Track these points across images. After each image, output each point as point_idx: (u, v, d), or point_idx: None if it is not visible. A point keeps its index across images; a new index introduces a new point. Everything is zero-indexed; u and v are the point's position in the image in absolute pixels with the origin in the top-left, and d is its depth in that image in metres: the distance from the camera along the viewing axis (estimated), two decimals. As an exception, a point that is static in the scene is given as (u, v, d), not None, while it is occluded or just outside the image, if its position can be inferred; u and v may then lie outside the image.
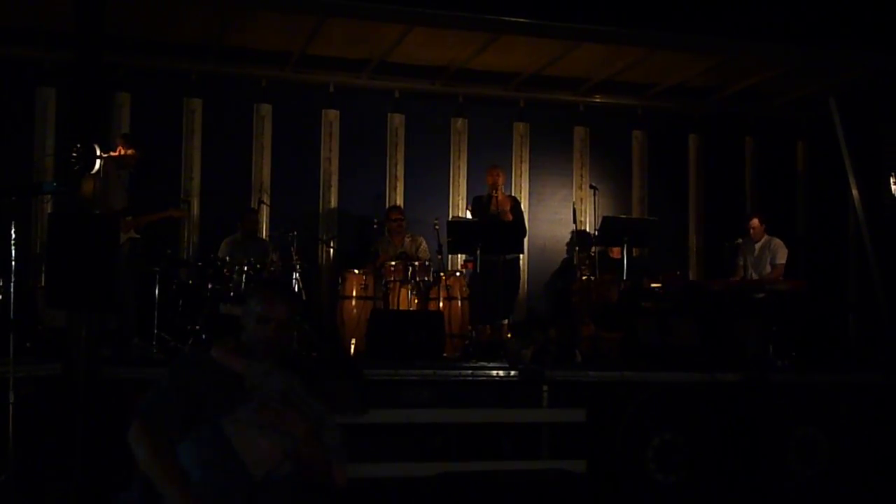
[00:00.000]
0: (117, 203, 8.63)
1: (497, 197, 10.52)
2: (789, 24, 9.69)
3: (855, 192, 11.37)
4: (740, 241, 10.74)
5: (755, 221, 10.71)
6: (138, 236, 8.99)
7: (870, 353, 10.87)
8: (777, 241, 10.61)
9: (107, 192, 8.26)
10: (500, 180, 10.66)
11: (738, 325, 9.93)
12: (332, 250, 11.14)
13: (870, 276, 11.32)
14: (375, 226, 10.67)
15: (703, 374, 8.47)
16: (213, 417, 3.64)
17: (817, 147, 12.61)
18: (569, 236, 11.76)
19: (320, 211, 11.35)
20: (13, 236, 6.68)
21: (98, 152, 7.99)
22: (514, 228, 10.15)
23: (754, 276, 10.50)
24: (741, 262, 10.73)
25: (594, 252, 10.91)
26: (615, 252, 10.82)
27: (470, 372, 8.14)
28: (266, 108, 11.18)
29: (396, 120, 11.62)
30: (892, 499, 8.50)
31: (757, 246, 10.64)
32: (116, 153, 8.72)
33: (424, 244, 10.70)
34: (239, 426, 3.62)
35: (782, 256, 10.49)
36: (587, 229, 11.50)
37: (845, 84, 11.28)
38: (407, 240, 10.67)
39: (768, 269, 10.51)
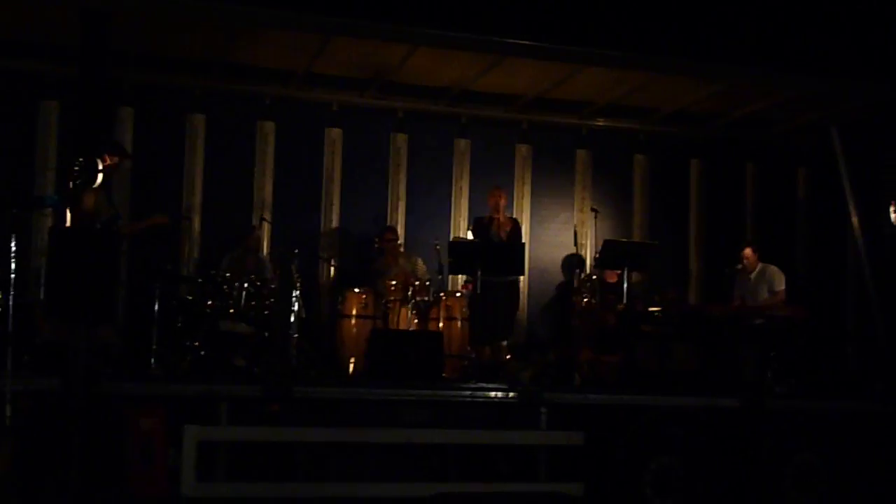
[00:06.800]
0: (104, 214, 8.58)
1: (498, 219, 10.53)
2: (793, 53, 9.75)
3: (855, 220, 11.39)
4: (740, 267, 10.72)
5: (748, 251, 10.65)
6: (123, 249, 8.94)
7: (867, 381, 10.86)
8: (773, 269, 10.57)
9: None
10: (502, 202, 10.66)
11: (737, 351, 9.91)
12: (332, 269, 11.12)
13: (868, 303, 11.32)
14: (377, 245, 10.70)
15: (701, 398, 8.47)
16: None
17: (818, 175, 12.61)
18: (569, 259, 11.72)
19: (321, 229, 11.34)
20: (13, 249, 6.68)
21: (100, 166, 8.02)
22: (514, 250, 10.11)
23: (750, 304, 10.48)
24: (737, 292, 10.69)
25: (595, 275, 10.90)
26: (610, 276, 10.83)
27: (469, 393, 8.13)
28: (269, 126, 11.18)
29: (399, 140, 11.63)
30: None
31: (752, 275, 10.59)
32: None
33: (421, 262, 10.71)
34: None
35: (780, 283, 10.46)
36: (588, 252, 11.48)
37: (847, 113, 11.32)
38: (402, 260, 10.68)
39: (765, 296, 10.47)
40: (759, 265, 10.62)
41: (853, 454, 8.71)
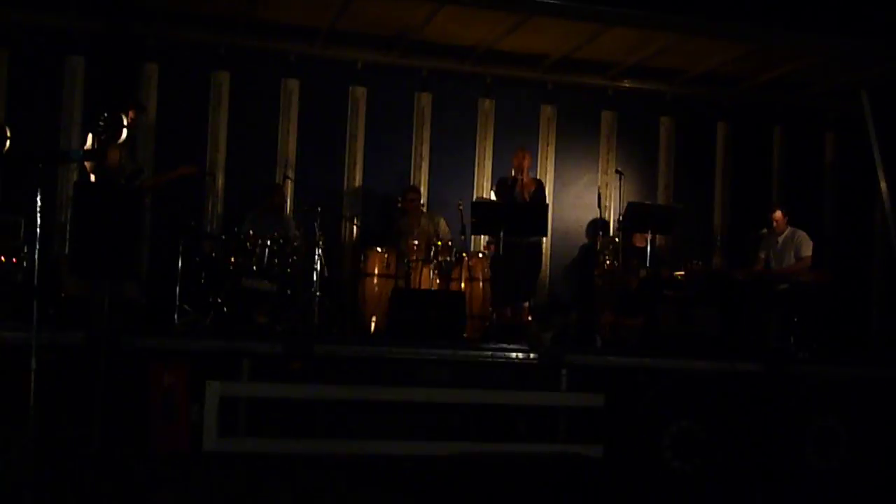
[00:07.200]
0: (127, 169, 8.61)
1: (522, 179, 10.49)
2: (823, 14, 9.61)
3: (883, 185, 11.26)
4: (765, 231, 10.66)
5: (778, 214, 10.61)
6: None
7: (891, 347, 10.81)
8: (801, 234, 10.51)
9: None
10: (527, 163, 10.61)
11: (760, 316, 9.89)
12: (355, 227, 11.13)
13: (894, 270, 11.24)
14: (399, 204, 10.70)
15: (723, 363, 8.45)
16: None
17: (846, 139, 12.48)
18: (593, 221, 11.66)
19: (345, 188, 11.33)
20: (38, 204, 6.70)
21: (125, 122, 8.04)
22: (538, 211, 10.07)
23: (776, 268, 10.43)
24: (762, 255, 10.66)
25: (618, 239, 10.85)
26: (639, 240, 10.77)
27: (490, 353, 8.15)
28: (293, 83, 11.15)
29: (424, 99, 11.57)
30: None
31: (780, 238, 10.55)
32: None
33: (443, 223, 10.70)
34: None
35: (808, 248, 10.41)
36: (612, 214, 11.43)
37: (877, 77, 11.16)
38: (424, 220, 10.67)
39: (791, 261, 10.42)
40: (788, 229, 10.56)
41: (875, 420, 8.68)
